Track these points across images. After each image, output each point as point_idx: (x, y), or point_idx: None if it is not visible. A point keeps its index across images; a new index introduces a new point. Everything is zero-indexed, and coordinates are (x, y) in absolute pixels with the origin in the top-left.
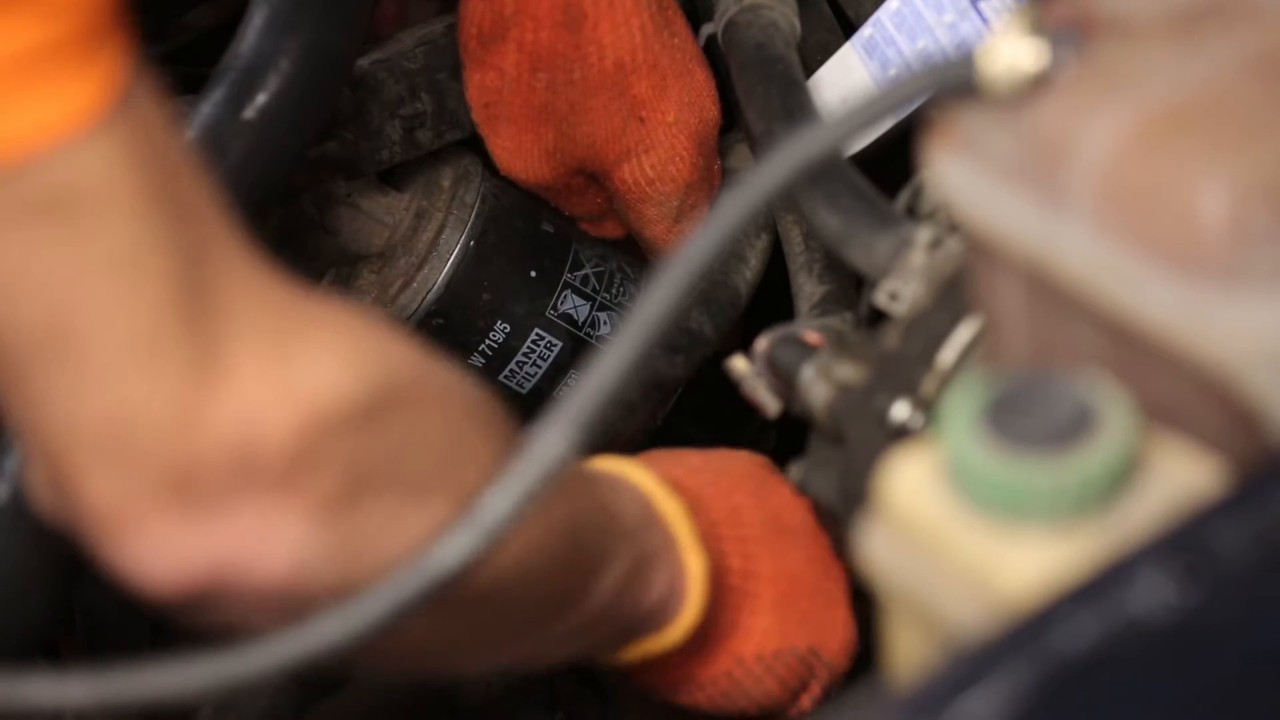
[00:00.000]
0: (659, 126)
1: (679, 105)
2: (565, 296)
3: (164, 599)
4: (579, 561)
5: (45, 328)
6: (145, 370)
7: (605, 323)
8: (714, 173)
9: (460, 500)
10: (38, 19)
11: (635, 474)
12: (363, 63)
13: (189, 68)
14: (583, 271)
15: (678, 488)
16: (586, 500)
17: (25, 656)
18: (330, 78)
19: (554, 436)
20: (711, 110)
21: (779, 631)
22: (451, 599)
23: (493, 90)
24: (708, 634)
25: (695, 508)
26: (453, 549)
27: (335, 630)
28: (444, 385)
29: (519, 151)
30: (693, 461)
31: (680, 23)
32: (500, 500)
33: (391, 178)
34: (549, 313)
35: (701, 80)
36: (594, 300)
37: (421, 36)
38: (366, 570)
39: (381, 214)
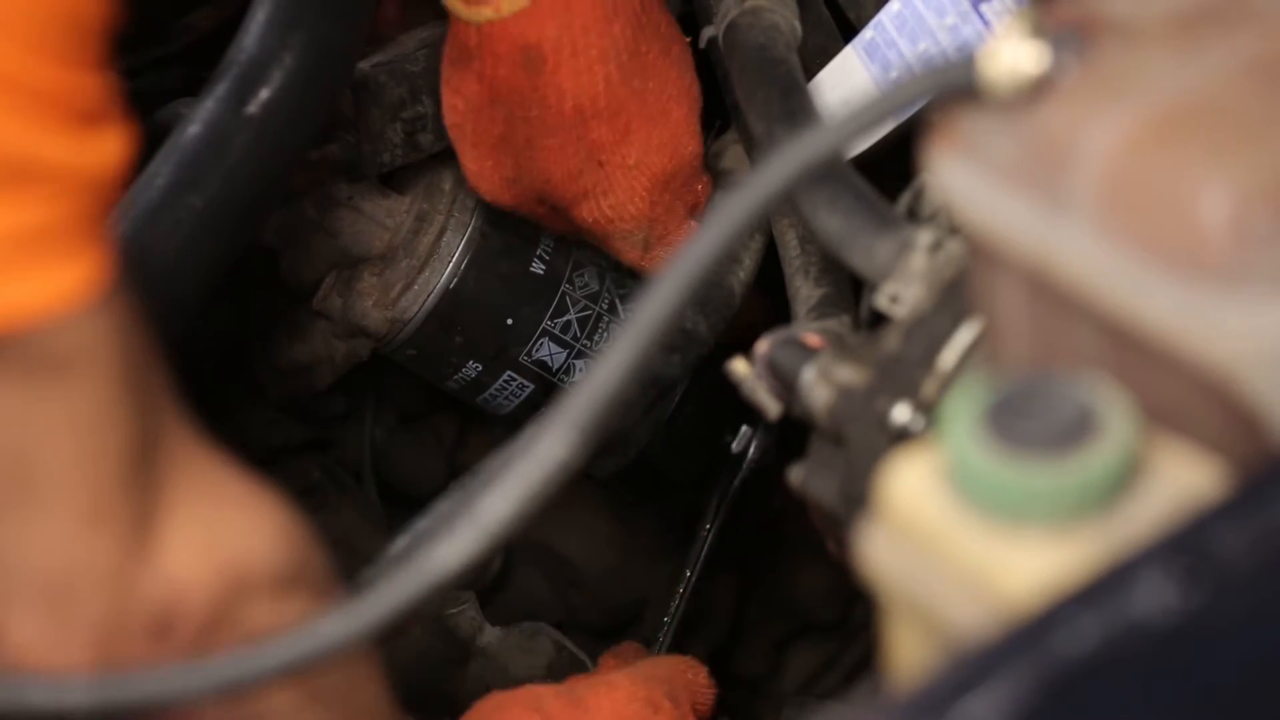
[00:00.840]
0: (618, 170)
1: (643, 149)
2: (541, 344)
3: None
4: None
5: (7, 468)
6: (90, 529)
7: (580, 370)
8: (693, 197)
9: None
10: (40, 201)
11: None
12: (364, 65)
13: (190, 69)
14: (565, 318)
15: None
16: None
17: None
18: (333, 74)
19: (554, 440)
20: (688, 147)
21: None
22: None
23: (458, 113)
24: None
25: None
26: (453, 550)
27: (337, 632)
28: (329, 577)
29: (481, 174)
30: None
31: (660, 65)
32: (500, 503)
33: (393, 180)
34: (522, 359)
35: (678, 119)
36: (572, 349)
37: (423, 39)
38: None
39: (383, 216)
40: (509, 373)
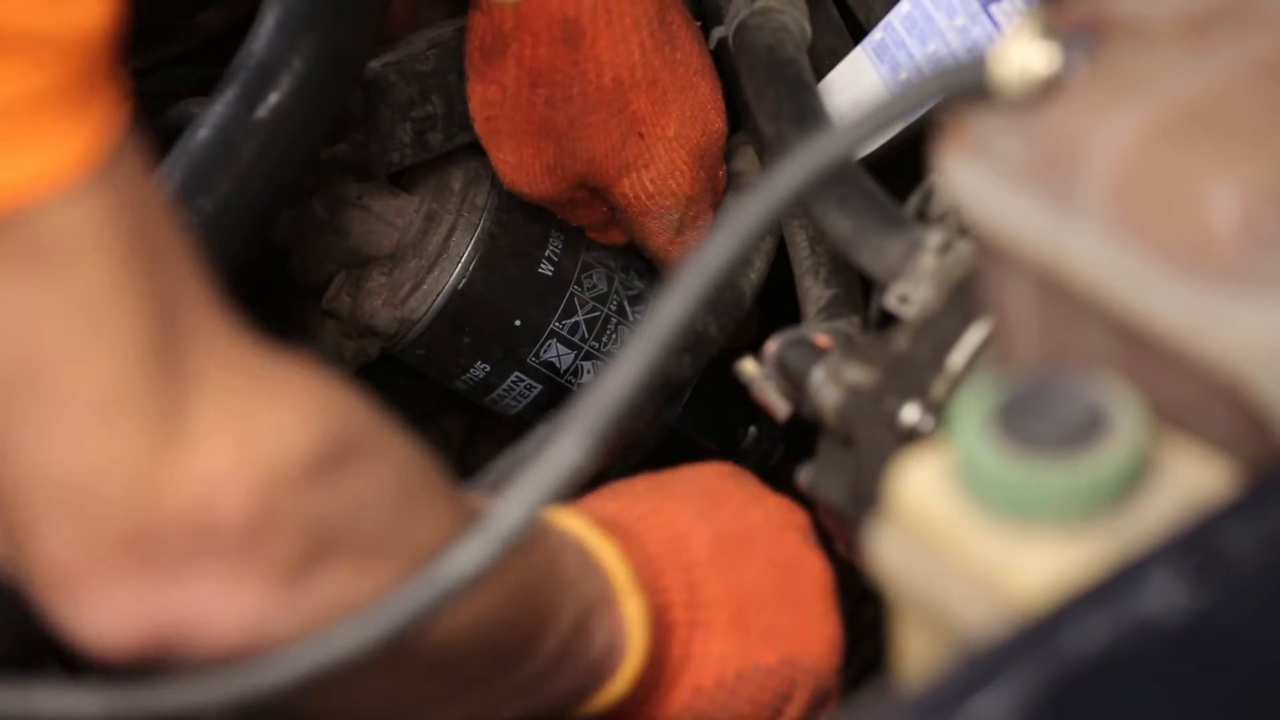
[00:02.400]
0: (659, 141)
1: (680, 120)
2: (549, 345)
3: (110, 657)
4: (528, 618)
5: (15, 369)
6: (110, 425)
7: (589, 371)
8: (718, 183)
9: (412, 563)
10: (27, 67)
11: (568, 520)
12: (374, 65)
13: (201, 69)
14: (574, 319)
15: (612, 526)
16: (535, 556)
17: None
18: (342, 78)
19: (568, 445)
20: (716, 123)
21: (739, 652)
22: (405, 653)
23: (494, 104)
24: (659, 675)
25: (632, 544)
26: (466, 557)
27: (351, 642)
28: (396, 445)
29: (520, 166)
30: (636, 490)
31: (685, 36)
32: (514, 509)
33: (402, 180)
34: (529, 360)
35: (705, 94)
36: (580, 350)
37: (433, 39)
38: (324, 627)
39: (392, 216)
40: (517, 373)
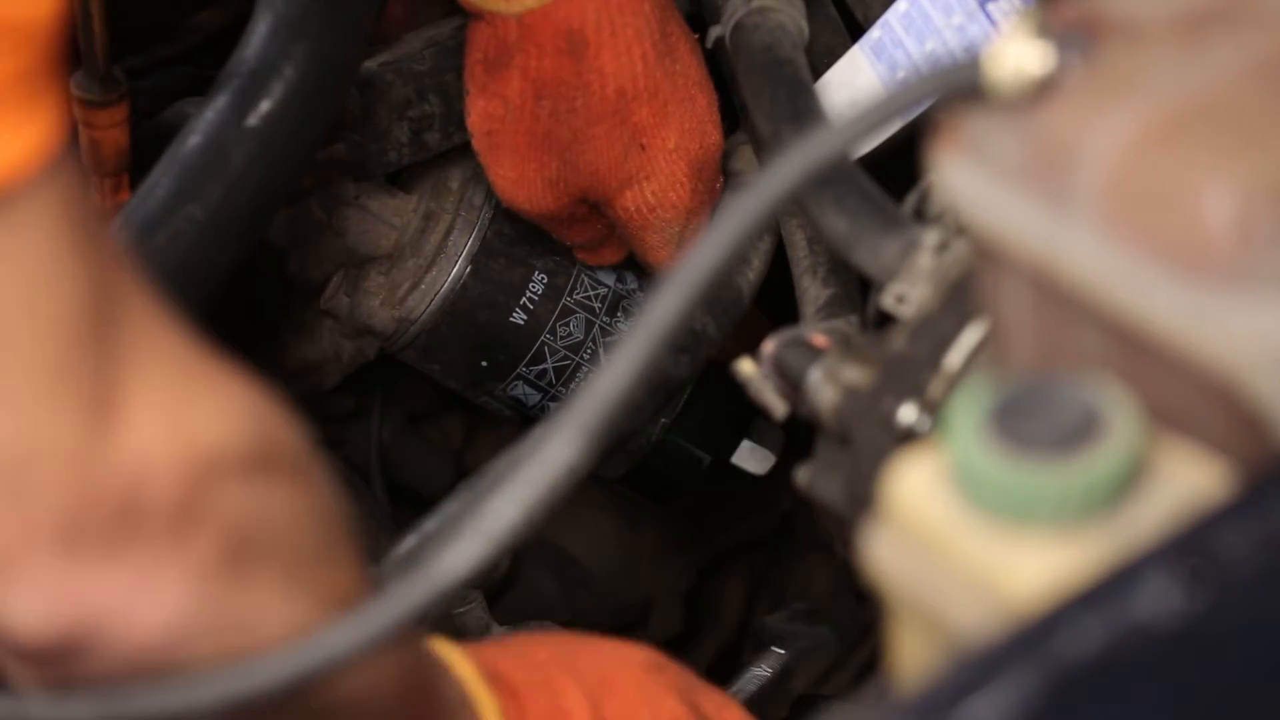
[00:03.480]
0: (660, 153)
1: (680, 132)
2: (515, 385)
3: (30, 646)
4: (409, 709)
5: None
6: (47, 398)
7: (554, 409)
8: (715, 195)
9: (326, 604)
10: None
11: (458, 661)
12: (371, 65)
13: (197, 69)
14: (542, 366)
15: (498, 682)
16: (424, 655)
17: None
18: (334, 85)
19: (561, 444)
20: (713, 136)
21: None
22: (300, 705)
23: (495, 118)
24: None
25: (510, 705)
26: (460, 557)
27: (343, 642)
28: (323, 477)
29: (521, 181)
30: (536, 653)
31: (684, 49)
32: (508, 508)
33: (399, 180)
34: (497, 393)
35: (703, 106)
36: (547, 393)
37: (430, 38)
38: (240, 646)
39: (389, 216)
40: (486, 398)
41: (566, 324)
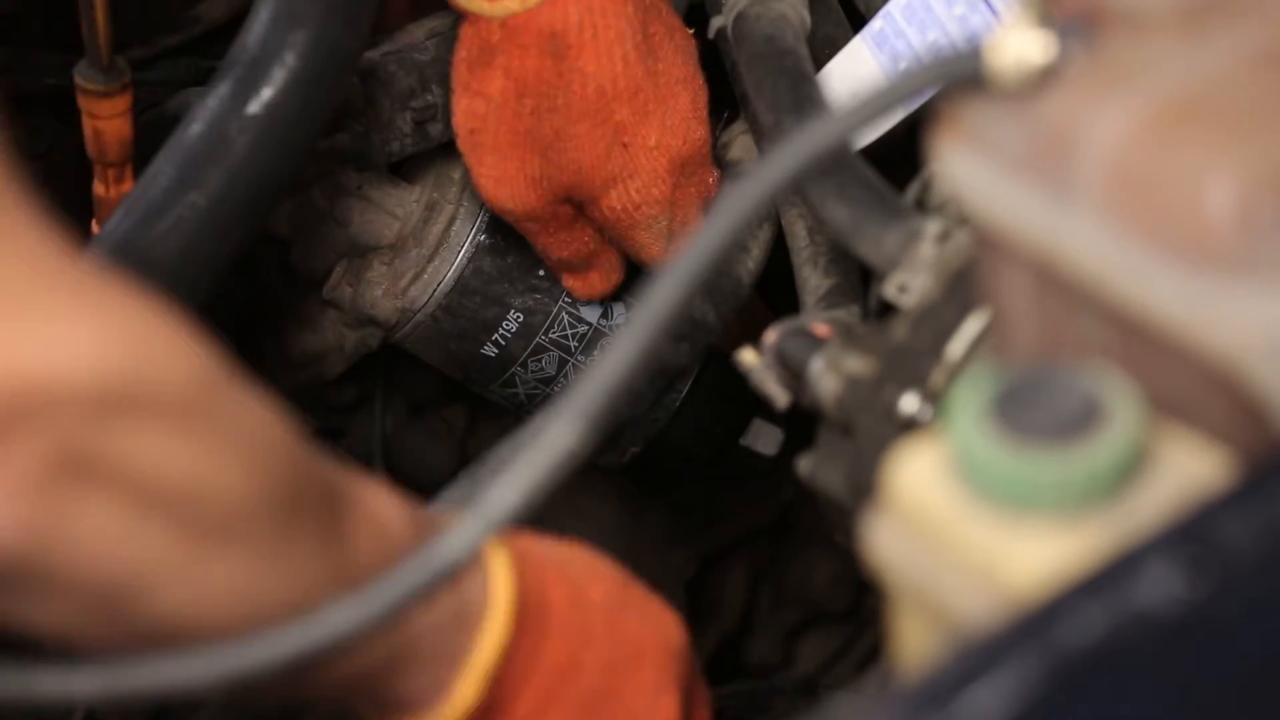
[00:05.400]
0: (641, 151)
1: (660, 129)
2: (491, 393)
3: None
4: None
5: None
6: None
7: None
8: (707, 189)
9: (268, 561)
10: None
11: (499, 575)
12: (373, 54)
13: (200, 60)
14: (513, 390)
15: (537, 609)
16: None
17: None
18: (336, 73)
19: (562, 429)
20: (697, 131)
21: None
22: None
23: (479, 116)
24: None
25: (528, 641)
26: (460, 541)
27: (343, 621)
28: (242, 410)
29: (504, 179)
30: (590, 594)
31: (667, 47)
32: (508, 493)
33: (402, 170)
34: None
35: (686, 104)
36: (522, 406)
37: (432, 28)
38: (73, 568)
39: (392, 206)
40: (484, 392)
41: (539, 360)
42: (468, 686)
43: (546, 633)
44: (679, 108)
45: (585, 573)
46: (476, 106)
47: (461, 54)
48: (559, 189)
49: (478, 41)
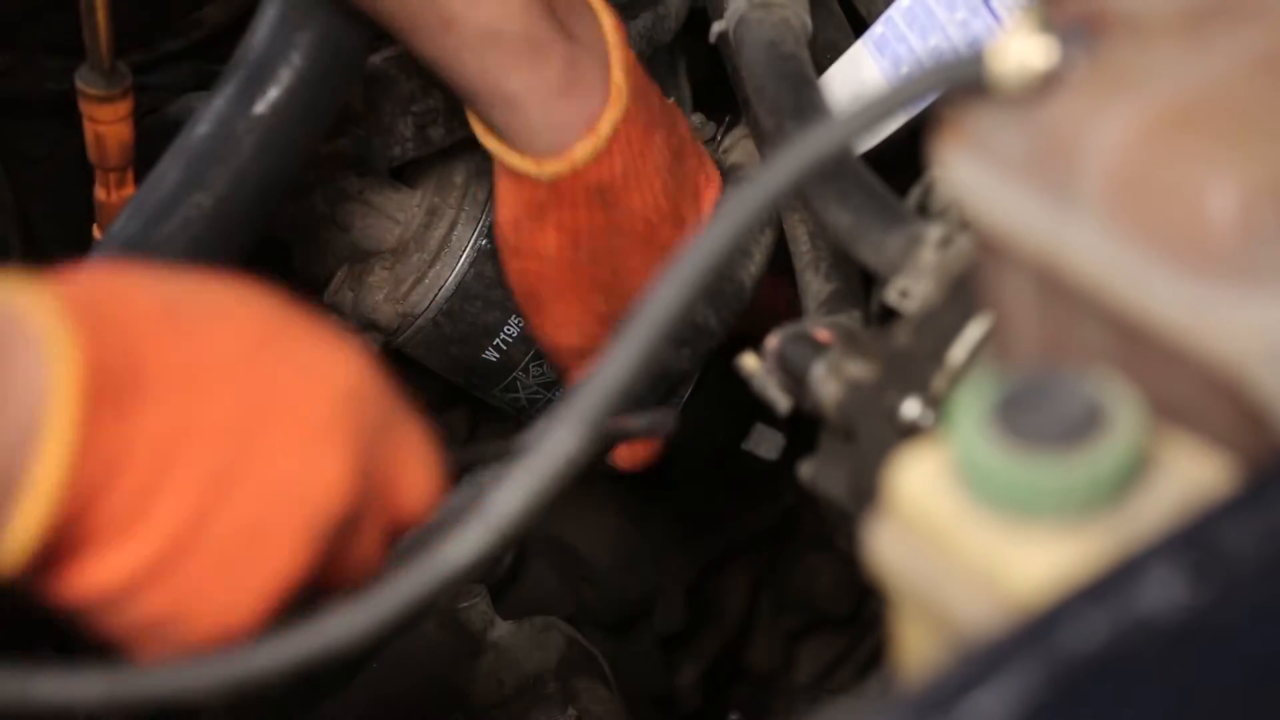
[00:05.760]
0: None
1: (692, 216)
2: (493, 397)
3: None
4: None
5: None
6: None
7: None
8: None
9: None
10: None
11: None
12: (375, 59)
13: (202, 64)
14: (514, 394)
15: (122, 375)
16: None
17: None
18: (342, 73)
19: (565, 434)
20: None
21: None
22: None
23: (534, 274)
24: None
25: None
26: (463, 546)
27: (346, 628)
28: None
29: (570, 324)
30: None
31: (686, 141)
32: (511, 497)
33: (403, 174)
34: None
35: (694, 168)
36: (524, 411)
37: None
38: None
39: (393, 210)
40: (485, 396)
41: (540, 365)
42: (32, 507)
43: (140, 406)
44: (695, 188)
45: (207, 315)
46: (530, 266)
47: (505, 214)
48: (622, 311)
49: (522, 201)
